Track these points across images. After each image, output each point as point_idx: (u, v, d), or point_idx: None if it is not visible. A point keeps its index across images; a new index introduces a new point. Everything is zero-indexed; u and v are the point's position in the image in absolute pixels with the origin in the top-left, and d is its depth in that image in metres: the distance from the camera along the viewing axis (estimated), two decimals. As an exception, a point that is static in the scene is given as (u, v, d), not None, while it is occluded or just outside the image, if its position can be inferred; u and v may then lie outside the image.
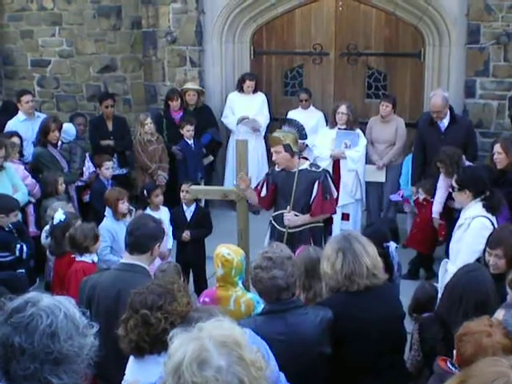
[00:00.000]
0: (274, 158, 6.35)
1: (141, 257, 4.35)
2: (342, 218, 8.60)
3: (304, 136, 6.44)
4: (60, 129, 8.54)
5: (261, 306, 4.33)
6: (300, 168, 6.25)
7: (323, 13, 10.04)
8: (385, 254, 4.90)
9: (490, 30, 8.85)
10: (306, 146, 9.13)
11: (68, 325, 2.19)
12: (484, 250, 4.89)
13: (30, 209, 7.80)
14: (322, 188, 6.18)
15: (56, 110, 10.86)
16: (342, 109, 8.74)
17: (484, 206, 5.58)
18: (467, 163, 7.55)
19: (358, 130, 8.89)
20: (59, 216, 6.56)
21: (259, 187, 6.62)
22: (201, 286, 7.28)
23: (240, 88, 10.05)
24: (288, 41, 10.37)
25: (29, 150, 8.71)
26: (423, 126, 8.50)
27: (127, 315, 3.41)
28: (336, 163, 8.75)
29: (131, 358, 3.45)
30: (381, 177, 9.10)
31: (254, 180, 8.55)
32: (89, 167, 8.80)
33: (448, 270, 5.36)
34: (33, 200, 7.79)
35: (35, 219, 7.79)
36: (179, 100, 9.77)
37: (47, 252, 6.95)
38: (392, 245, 5.33)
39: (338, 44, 10.08)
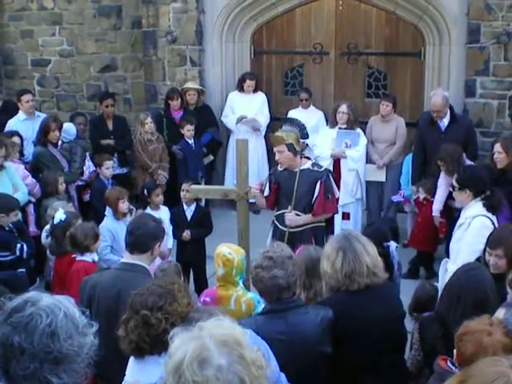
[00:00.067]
0: (276, 158, 6.33)
1: (141, 256, 4.35)
2: (343, 218, 8.60)
3: (305, 135, 6.44)
4: (60, 128, 8.54)
5: (261, 306, 4.33)
6: (302, 168, 6.24)
7: (323, 12, 10.04)
8: (385, 254, 4.90)
9: (491, 30, 8.85)
10: (307, 145, 9.13)
11: (68, 324, 2.19)
12: (484, 250, 4.89)
13: (31, 208, 7.81)
14: (324, 188, 6.18)
15: (56, 110, 10.87)
16: (343, 108, 8.74)
17: (484, 206, 5.58)
18: (468, 162, 7.56)
19: (359, 130, 8.89)
20: (60, 216, 6.56)
21: (262, 187, 6.61)
22: (201, 285, 7.27)
23: (240, 87, 10.05)
24: (288, 40, 10.37)
25: (29, 150, 8.71)
26: (423, 126, 8.50)
27: (127, 316, 3.40)
28: (336, 163, 8.76)
29: (131, 359, 3.45)
30: (381, 176, 9.10)
31: (254, 180, 8.58)
32: (89, 166, 8.80)
33: (448, 269, 5.36)
34: (33, 199, 7.80)
35: (35, 219, 7.80)
36: (179, 99, 9.77)
37: (47, 252, 6.94)
38: (392, 244, 5.33)
39: (339, 43, 10.08)
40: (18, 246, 6.51)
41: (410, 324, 4.67)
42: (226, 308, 4.69)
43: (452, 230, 6.09)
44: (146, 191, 7.58)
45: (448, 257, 5.93)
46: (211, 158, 10.02)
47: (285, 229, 6.29)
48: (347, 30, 10.00)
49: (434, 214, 7.82)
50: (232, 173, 9.16)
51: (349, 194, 8.68)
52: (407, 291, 5.29)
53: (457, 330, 3.34)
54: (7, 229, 6.52)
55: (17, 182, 7.43)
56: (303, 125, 6.40)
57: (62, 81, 10.91)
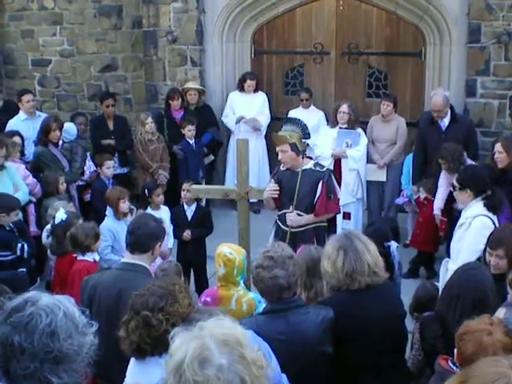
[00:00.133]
0: (279, 157, 6.30)
1: (142, 256, 4.35)
2: (344, 217, 8.60)
3: (307, 135, 6.42)
4: (61, 128, 8.54)
5: (262, 306, 4.33)
6: (304, 167, 6.23)
7: (324, 12, 10.04)
8: (386, 254, 4.89)
9: (491, 29, 8.85)
10: (307, 145, 9.12)
11: (67, 324, 2.19)
12: (484, 250, 4.89)
13: (31, 208, 7.81)
14: (326, 188, 6.15)
15: (57, 110, 10.88)
16: (344, 108, 8.74)
17: (485, 205, 5.58)
18: (469, 162, 7.56)
19: (359, 130, 8.89)
20: (61, 215, 6.56)
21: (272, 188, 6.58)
22: (202, 285, 7.27)
23: (241, 87, 10.05)
24: (289, 40, 10.37)
25: (30, 150, 8.72)
26: (424, 126, 8.50)
27: (128, 317, 3.40)
28: (337, 162, 8.76)
29: (132, 360, 3.44)
30: (382, 176, 9.10)
31: (254, 180, 8.59)
32: (90, 166, 8.80)
33: (449, 269, 5.36)
34: (34, 199, 7.80)
35: (36, 218, 7.80)
36: (180, 99, 9.77)
37: (48, 251, 6.94)
38: (393, 244, 5.33)
39: (339, 43, 10.08)
40: (19, 245, 6.51)
41: (410, 324, 4.67)
42: (227, 308, 4.69)
43: (453, 230, 6.09)
44: (146, 191, 7.58)
45: (449, 256, 5.93)
46: (212, 157, 10.02)
47: (287, 229, 6.28)
48: (348, 30, 10.00)
49: (434, 212, 7.82)
50: (232, 173, 9.16)
51: (349, 193, 8.68)
52: (408, 291, 5.29)
53: (457, 330, 3.34)
54: (8, 228, 6.52)
55: (17, 181, 7.44)
56: (305, 125, 6.37)
57: (63, 81, 10.91)
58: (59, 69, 10.88)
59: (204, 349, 2.05)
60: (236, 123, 9.98)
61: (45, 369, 2.14)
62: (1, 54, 11.05)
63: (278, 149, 6.28)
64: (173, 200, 8.18)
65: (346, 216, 8.69)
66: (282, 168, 6.43)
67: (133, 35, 10.56)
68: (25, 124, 9.02)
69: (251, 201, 7.44)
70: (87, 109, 10.71)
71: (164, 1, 10.12)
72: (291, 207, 6.24)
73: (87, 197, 8.76)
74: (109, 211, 6.96)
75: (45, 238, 6.95)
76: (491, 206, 5.59)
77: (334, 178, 6.34)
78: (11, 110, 9.46)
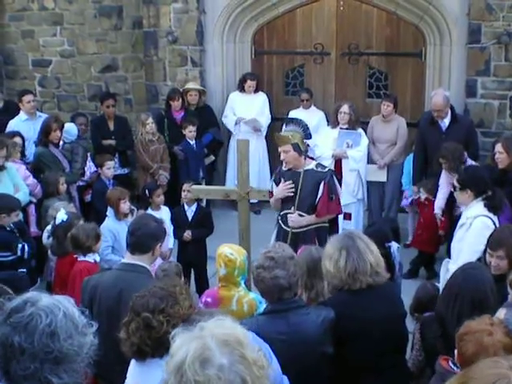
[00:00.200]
0: (282, 158, 6.30)
1: (142, 257, 4.35)
2: (344, 218, 8.57)
3: (308, 135, 6.41)
4: (61, 129, 8.54)
5: (263, 306, 4.33)
6: (306, 168, 6.23)
7: (324, 12, 10.04)
8: (386, 254, 4.89)
9: (491, 30, 8.85)
10: (308, 145, 9.12)
11: (67, 324, 2.19)
12: (484, 251, 4.88)
13: (32, 209, 7.81)
14: (328, 188, 6.14)
15: (57, 110, 10.86)
16: (344, 108, 8.74)
17: (486, 206, 5.58)
18: (470, 162, 7.56)
19: (360, 130, 8.88)
20: (61, 216, 6.56)
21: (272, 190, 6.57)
22: (202, 285, 7.28)
23: (241, 88, 10.05)
24: (289, 40, 10.37)
25: (30, 150, 8.70)
26: (424, 126, 8.50)
27: (129, 318, 3.39)
28: (338, 163, 8.74)
29: (133, 362, 3.43)
30: (382, 176, 9.10)
31: (254, 180, 8.59)
32: (90, 167, 8.80)
33: (449, 269, 5.36)
34: (34, 200, 7.80)
35: (36, 219, 7.80)
36: (180, 100, 9.77)
37: (49, 252, 6.94)
38: (394, 245, 5.33)
39: (339, 44, 10.08)
40: (19, 246, 6.51)
41: (411, 324, 4.67)
42: (228, 308, 4.69)
43: (453, 230, 6.09)
44: (147, 191, 7.58)
45: (449, 257, 5.94)
46: (212, 158, 10.02)
47: (288, 229, 6.28)
48: (348, 31, 10.00)
49: (435, 211, 7.83)
50: (233, 173, 9.16)
51: (350, 194, 8.67)
52: (408, 291, 5.29)
53: (457, 330, 3.34)
54: (8, 229, 6.52)
55: (18, 182, 7.44)
56: (306, 125, 6.37)
57: (63, 81, 10.91)
58: (59, 69, 10.87)
59: (205, 349, 2.05)
60: (235, 124, 9.98)
61: (45, 369, 2.13)
62: (1, 55, 11.04)
63: (280, 149, 6.26)
64: (173, 200, 8.18)
65: (347, 216, 8.68)
66: (283, 168, 6.42)
67: (133, 36, 10.56)
68: (25, 124, 9.02)
69: (252, 201, 7.44)
70: (88, 109, 10.70)
71: (164, 1, 10.12)
72: (293, 208, 6.24)
73: (88, 197, 8.76)
74: (109, 212, 6.96)
75: (45, 239, 6.95)
76: (492, 207, 5.59)
77: (335, 178, 6.33)
78: (12, 110, 9.46)
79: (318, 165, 6.41)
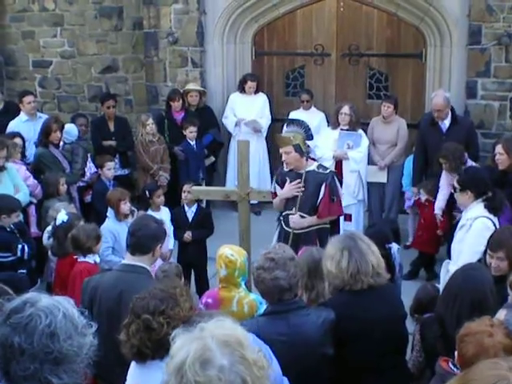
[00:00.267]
0: (283, 159, 6.30)
1: (142, 258, 4.35)
2: (345, 219, 8.55)
3: (310, 136, 6.41)
4: (62, 129, 8.55)
5: (263, 307, 4.32)
6: (308, 169, 6.23)
7: (325, 13, 10.04)
8: (387, 255, 4.90)
9: (492, 31, 8.85)
10: (308, 146, 9.12)
11: (67, 324, 2.19)
12: (485, 252, 4.88)
13: (32, 209, 7.81)
14: (329, 190, 6.13)
15: (57, 111, 10.87)
16: (345, 109, 8.73)
17: (486, 207, 5.58)
18: (470, 163, 7.56)
19: (361, 131, 8.88)
20: (62, 217, 6.56)
21: (275, 191, 6.56)
22: (202, 286, 7.28)
23: (241, 89, 10.05)
24: (289, 41, 10.36)
25: (31, 151, 8.70)
26: (425, 127, 8.50)
27: (129, 320, 3.39)
28: (338, 164, 8.73)
29: (133, 364, 3.43)
30: (382, 177, 9.10)
31: (255, 181, 8.58)
32: (90, 168, 8.81)
33: (450, 270, 5.36)
34: (34, 201, 7.80)
35: (36, 220, 7.80)
36: (181, 101, 9.77)
37: (49, 253, 6.94)
38: (394, 246, 5.34)
39: (340, 45, 10.08)
40: (19, 246, 6.51)
41: (411, 325, 4.67)
42: (229, 309, 4.69)
43: (453, 231, 6.10)
44: (147, 192, 7.58)
45: (449, 258, 5.94)
46: (212, 159, 10.02)
47: (290, 230, 6.27)
48: (348, 32, 10.00)
49: (435, 211, 7.83)
50: (233, 174, 9.16)
51: (351, 195, 8.65)
52: (408, 292, 5.30)
53: (456, 331, 3.34)
54: (8, 229, 6.53)
55: (18, 182, 7.44)
56: (308, 126, 6.36)
57: (64, 82, 10.92)
58: (60, 70, 10.88)
59: (205, 350, 2.05)
60: (235, 126, 9.99)
61: (45, 369, 2.13)
62: (2, 55, 11.05)
63: (281, 150, 6.25)
64: (173, 201, 8.18)
65: (347, 218, 8.66)
66: (285, 169, 6.42)
67: (133, 36, 10.56)
68: (26, 125, 9.01)
69: (252, 202, 7.45)
70: (88, 110, 10.71)
71: (165, 2, 10.12)
72: (294, 209, 6.24)
73: (88, 198, 8.77)
74: (110, 212, 6.96)
75: (46, 240, 6.94)
76: (492, 208, 5.59)
77: (337, 179, 6.32)
78: (12, 111, 9.45)
79: (320, 166, 6.40)
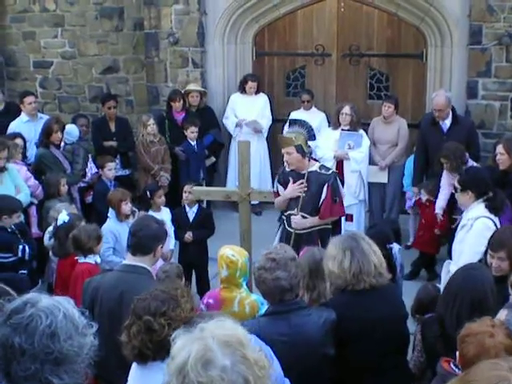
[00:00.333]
0: (285, 159, 6.30)
1: (143, 258, 4.34)
2: (346, 219, 8.55)
3: (313, 137, 6.40)
4: (63, 130, 8.55)
5: (265, 308, 4.32)
6: (310, 170, 6.22)
7: (325, 14, 10.04)
8: (388, 256, 4.90)
9: (492, 31, 8.85)
10: (309, 147, 9.11)
11: (67, 325, 2.18)
12: (485, 252, 4.88)
13: (33, 210, 7.82)
14: (331, 191, 6.13)
15: (58, 112, 10.88)
16: (346, 110, 8.73)
17: (487, 207, 5.58)
18: (471, 163, 7.56)
19: (362, 131, 8.88)
20: (63, 217, 6.56)
21: (278, 191, 6.56)
22: (203, 286, 7.29)
23: (242, 89, 10.05)
24: (290, 42, 10.37)
25: (31, 151, 8.71)
26: (425, 127, 8.50)
27: (130, 321, 3.38)
28: (339, 164, 8.74)
29: (134, 365, 3.43)
30: (383, 178, 9.10)
31: (255, 181, 8.58)
32: (91, 168, 8.81)
33: (450, 270, 5.35)
34: (35, 201, 7.81)
35: (37, 220, 7.80)
36: (181, 101, 9.77)
37: (50, 253, 6.94)
38: (395, 246, 5.34)
39: (340, 45, 10.08)
40: (20, 247, 6.51)
41: (412, 326, 4.67)
42: (230, 310, 4.69)
43: (454, 232, 6.10)
44: (148, 193, 7.58)
45: (450, 258, 5.94)
46: (213, 159, 10.02)
47: (291, 230, 6.27)
48: (349, 32, 10.00)
49: (436, 211, 7.84)
50: (234, 174, 9.16)
51: (352, 195, 8.65)
52: (409, 293, 5.30)
53: (457, 331, 3.34)
54: (9, 230, 6.53)
55: (19, 183, 7.45)
56: (310, 126, 6.35)
57: (64, 82, 10.93)
58: (61, 71, 10.89)
59: (207, 350, 2.05)
60: (236, 127, 9.99)
61: (45, 370, 2.13)
62: (2, 56, 11.06)
63: (283, 151, 6.25)
64: (174, 201, 8.19)
65: (349, 218, 8.66)
66: (286, 169, 6.41)
67: (134, 37, 10.56)
68: (26, 126, 9.02)
69: (253, 202, 7.45)
70: (89, 111, 10.72)
71: (165, 3, 10.13)
72: (296, 209, 6.23)
73: (89, 198, 8.78)
74: (111, 213, 6.97)
75: (47, 240, 6.95)
76: (493, 208, 5.59)
77: (339, 180, 6.32)
78: (13, 111, 9.46)
79: (322, 167, 6.38)
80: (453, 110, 8.31)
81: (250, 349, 2.12)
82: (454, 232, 6.06)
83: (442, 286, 5.18)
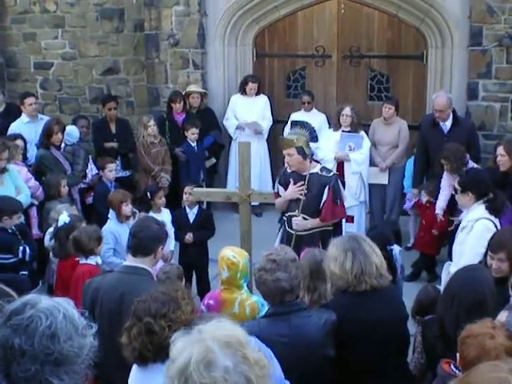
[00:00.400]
0: (286, 160, 6.30)
1: (144, 259, 4.34)
2: (347, 221, 8.55)
3: (315, 138, 6.39)
4: (63, 131, 8.55)
5: (265, 309, 4.32)
6: (311, 171, 6.22)
7: (325, 15, 10.04)
8: (388, 257, 4.90)
9: (493, 32, 8.85)
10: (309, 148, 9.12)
11: (67, 326, 2.18)
12: (485, 254, 4.88)
13: (33, 211, 7.82)
14: (333, 193, 6.13)
15: (59, 113, 10.90)
16: (347, 111, 8.73)
17: (487, 208, 5.58)
18: (472, 164, 7.56)
19: (362, 133, 8.88)
20: (64, 218, 6.56)
21: (278, 192, 6.56)
22: (203, 287, 7.29)
23: (242, 90, 10.06)
24: (290, 43, 10.37)
25: (32, 152, 8.71)
26: (426, 128, 8.50)
27: (130, 323, 3.38)
28: (340, 165, 8.74)
29: (134, 367, 3.43)
30: (383, 179, 9.09)
31: (256, 183, 8.58)
32: (92, 169, 8.81)
33: (451, 272, 5.35)
34: (36, 202, 7.81)
35: (38, 221, 7.80)
36: (182, 102, 9.78)
37: (50, 254, 6.95)
38: (396, 248, 5.34)
39: (341, 46, 10.08)
40: (21, 248, 6.52)
41: (412, 327, 4.67)
42: (230, 311, 4.69)
43: (454, 233, 6.10)
44: (148, 194, 7.59)
45: (451, 259, 5.94)
46: (213, 160, 10.03)
47: (292, 232, 6.27)
48: (349, 33, 10.00)
49: (437, 211, 7.84)
50: (234, 175, 9.16)
51: (352, 196, 8.64)
52: (409, 294, 5.29)
53: (458, 333, 3.33)
54: (10, 231, 6.53)
55: (20, 184, 7.45)
56: (313, 128, 6.35)
57: (65, 84, 10.94)
58: (61, 72, 10.90)
59: (208, 351, 2.05)
60: (236, 129, 9.99)
61: (45, 371, 2.13)
62: (3, 57, 11.07)
63: (284, 152, 6.26)
64: (174, 203, 8.19)
65: (349, 219, 8.66)
66: (288, 170, 6.41)
67: (135, 38, 10.57)
68: (27, 127, 9.03)
69: (253, 204, 7.44)
70: (89, 112, 10.73)
71: (166, 4, 10.13)
72: (297, 211, 6.23)
73: (89, 200, 8.78)
74: (111, 214, 6.97)
75: (47, 241, 6.95)
76: (493, 209, 5.59)
77: (340, 182, 6.32)
78: (13, 112, 9.47)
79: (323, 168, 6.38)
80: (453, 111, 8.31)
81: (249, 349, 2.12)
82: (453, 233, 6.06)
83: (442, 288, 5.19)
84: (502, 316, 3.55)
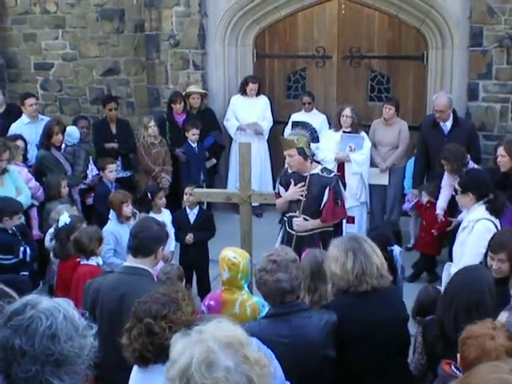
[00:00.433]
0: (287, 161, 6.31)
1: (144, 260, 4.34)
2: (347, 221, 8.54)
3: (316, 139, 6.39)
4: (63, 132, 8.55)
5: (266, 310, 4.32)
6: (312, 172, 6.23)
7: (326, 16, 10.04)
8: (389, 258, 4.90)
9: (493, 33, 8.85)
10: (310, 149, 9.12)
11: (68, 326, 2.18)
12: (486, 254, 4.88)
13: (34, 212, 7.82)
14: (333, 194, 6.13)
15: (59, 113, 10.90)
16: (347, 112, 8.73)
17: (487, 209, 5.58)
18: (472, 165, 7.56)
19: (363, 133, 8.88)
20: (64, 219, 6.56)
21: (279, 192, 6.56)
22: (204, 288, 7.29)
23: (243, 91, 10.06)
24: (291, 44, 10.37)
25: (32, 153, 8.71)
26: (426, 129, 8.50)
27: (131, 324, 3.38)
28: (340, 166, 8.73)
29: (135, 368, 3.43)
30: (384, 180, 9.10)
31: (256, 183, 8.58)
32: (92, 170, 8.81)
33: (451, 272, 5.35)
34: (36, 203, 7.81)
35: (38, 222, 7.81)
36: (182, 103, 9.79)
37: (51, 255, 6.94)
38: (396, 248, 5.34)
39: (341, 47, 10.08)
40: (21, 249, 6.52)
41: (413, 328, 4.67)
42: (231, 312, 4.69)
43: (455, 234, 6.10)
44: (149, 194, 7.59)
45: (451, 260, 5.94)
46: (214, 161, 10.03)
47: (293, 232, 6.27)
48: (350, 34, 10.01)
49: (437, 212, 7.84)
50: (235, 176, 9.16)
51: (353, 197, 8.64)
52: (410, 294, 5.30)
53: (458, 334, 3.34)
54: (10, 232, 6.54)
55: (20, 185, 7.45)
56: (314, 128, 6.34)
57: (65, 84, 10.95)
58: (61, 72, 10.90)
59: (209, 352, 2.05)
60: (236, 130, 9.99)
61: (46, 371, 2.13)
62: (3, 58, 11.07)
63: (285, 153, 6.26)
64: (174, 203, 8.19)
65: (350, 220, 8.66)
66: (289, 171, 6.41)
67: (135, 39, 10.58)
68: (27, 128, 9.03)
69: (253, 204, 7.44)
70: (89, 112, 10.73)
71: (166, 5, 10.13)
72: (298, 211, 6.23)
73: (89, 200, 8.78)
74: (112, 215, 6.97)
75: (48, 242, 6.95)
76: (494, 210, 5.59)
77: (341, 183, 6.31)
78: (14, 113, 9.47)
79: (324, 169, 6.37)
80: (453, 112, 8.32)
81: (250, 349, 2.12)
82: (453, 234, 6.06)
83: (442, 289, 5.19)
84: (503, 317, 3.54)
